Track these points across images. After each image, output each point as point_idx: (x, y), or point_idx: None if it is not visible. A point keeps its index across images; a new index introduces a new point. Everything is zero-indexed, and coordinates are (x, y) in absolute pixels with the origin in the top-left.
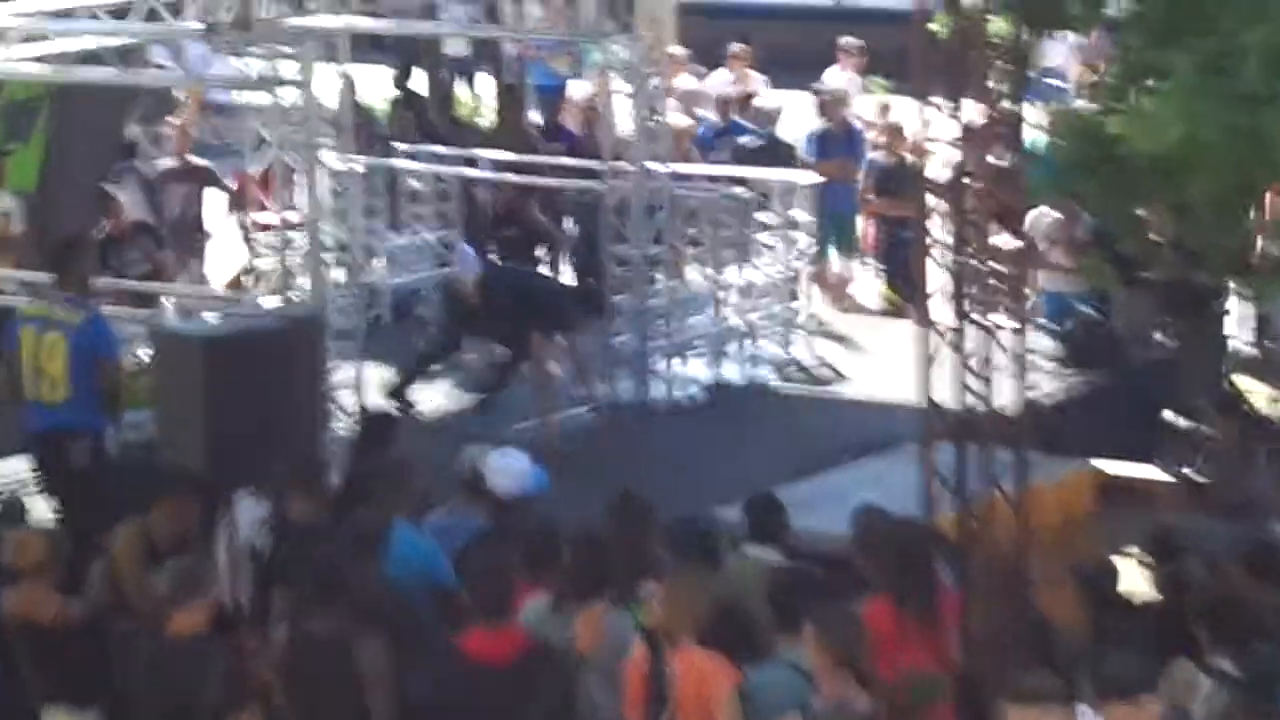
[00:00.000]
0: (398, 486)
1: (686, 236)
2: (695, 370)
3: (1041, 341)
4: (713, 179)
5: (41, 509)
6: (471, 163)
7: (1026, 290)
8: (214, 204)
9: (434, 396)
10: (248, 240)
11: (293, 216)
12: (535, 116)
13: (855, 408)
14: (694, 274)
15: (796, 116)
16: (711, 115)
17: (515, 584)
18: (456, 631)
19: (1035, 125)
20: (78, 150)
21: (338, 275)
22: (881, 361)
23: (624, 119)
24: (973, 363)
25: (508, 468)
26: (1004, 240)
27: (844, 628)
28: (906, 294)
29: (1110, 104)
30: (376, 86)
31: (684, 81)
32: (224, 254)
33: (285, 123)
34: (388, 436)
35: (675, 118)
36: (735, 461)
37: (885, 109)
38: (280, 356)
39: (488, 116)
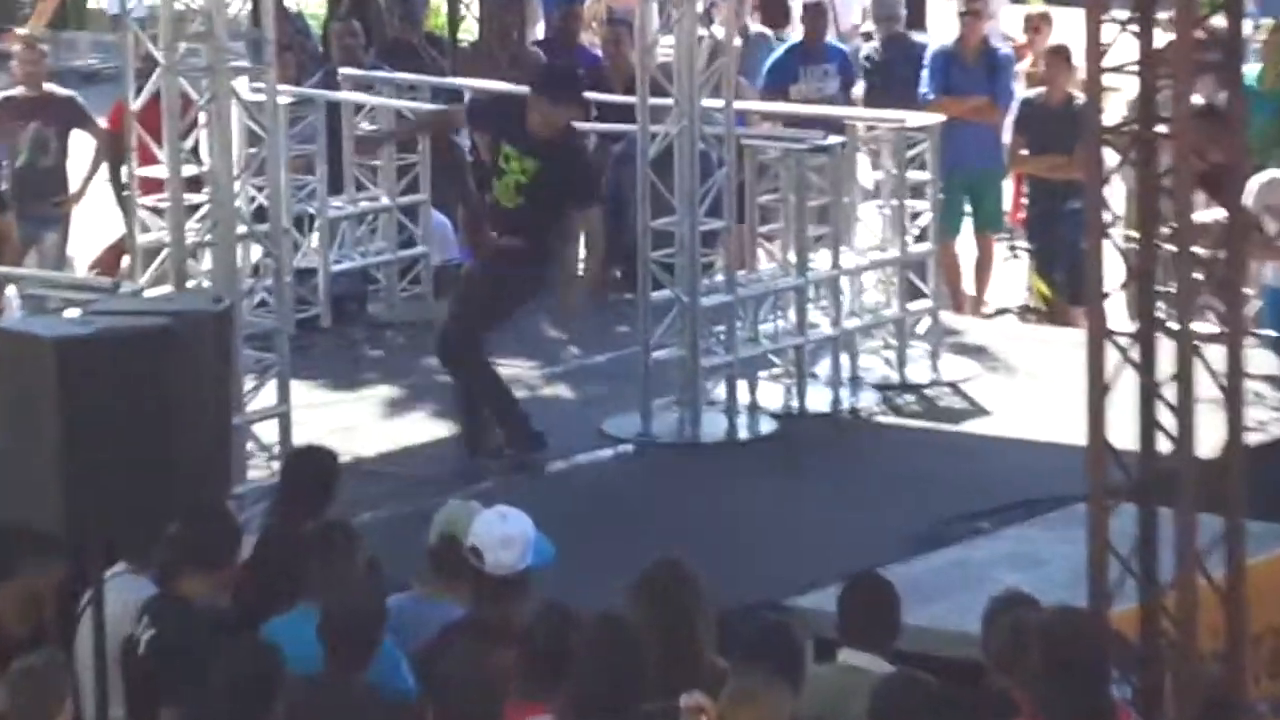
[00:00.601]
0: (336, 556)
1: (757, 205)
2: (768, 396)
3: (1264, 360)
4: (793, 122)
5: None
6: (449, 95)
7: (1244, 288)
8: (79, 152)
9: (391, 427)
10: (126, 204)
11: (191, 170)
12: (539, 31)
13: (996, 452)
14: (767, 259)
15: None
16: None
17: (503, 701)
18: None
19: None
20: None
21: (255, 255)
22: (1033, 386)
23: (666, 35)
24: (1166, 390)
25: (500, 532)
26: (1213, 216)
27: None
28: (1070, 290)
29: None
30: None
31: None
32: (92, 223)
33: (181, 35)
34: (325, 484)
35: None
36: (823, 526)
37: (1041, 24)
38: (170, 370)
39: (471, 30)
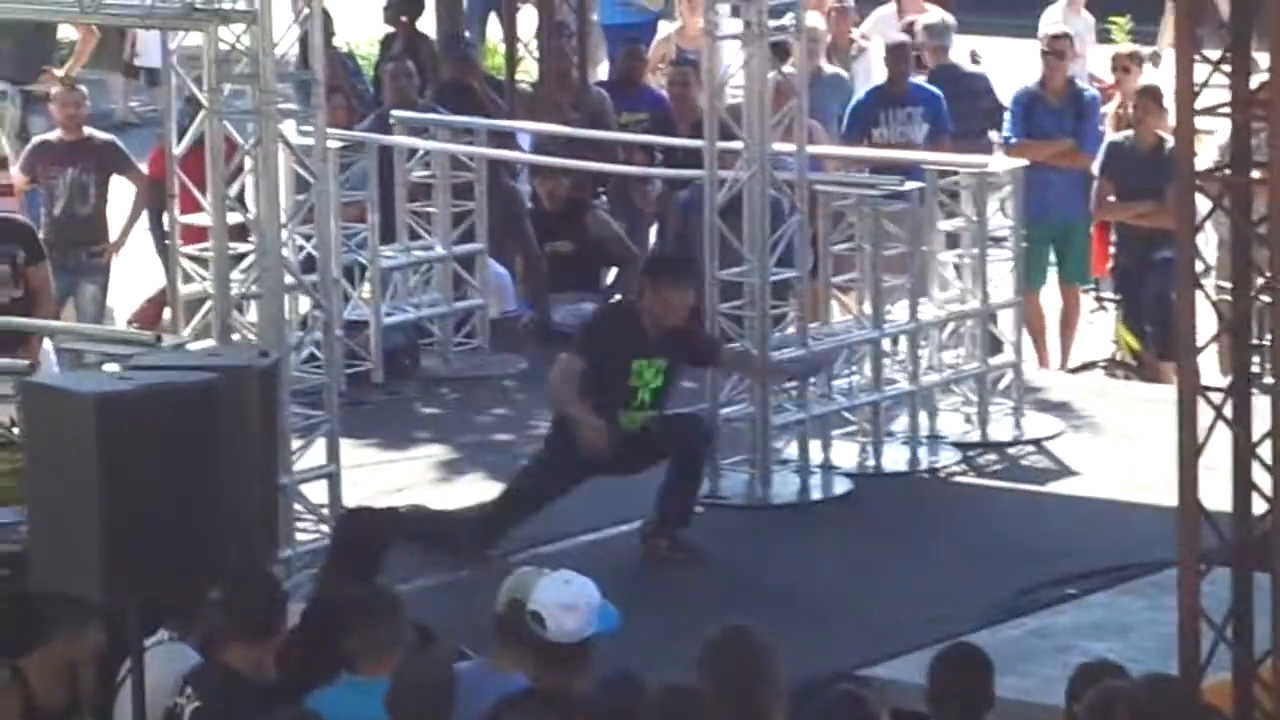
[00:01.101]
0: (378, 624)
1: (831, 254)
2: (842, 455)
3: None
4: (869, 169)
5: None
6: (506, 139)
7: None
8: (118, 199)
9: (444, 489)
10: (168, 253)
11: (236, 218)
12: (603, 71)
13: (1082, 515)
14: (841, 311)
15: (999, 73)
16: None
17: None
18: None
19: None
20: None
21: (303, 307)
22: (1122, 445)
23: (737, 76)
24: (1261, 448)
25: (564, 598)
26: None
27: None
28: (1159, 344)
29: None
30: (363, 22)
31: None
32: (132, 273)
33: (226, 77)
34: (375, 550)
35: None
36: (899, 592)
37: (1130, 64)
38: (214, 428)
39: (530, 70)
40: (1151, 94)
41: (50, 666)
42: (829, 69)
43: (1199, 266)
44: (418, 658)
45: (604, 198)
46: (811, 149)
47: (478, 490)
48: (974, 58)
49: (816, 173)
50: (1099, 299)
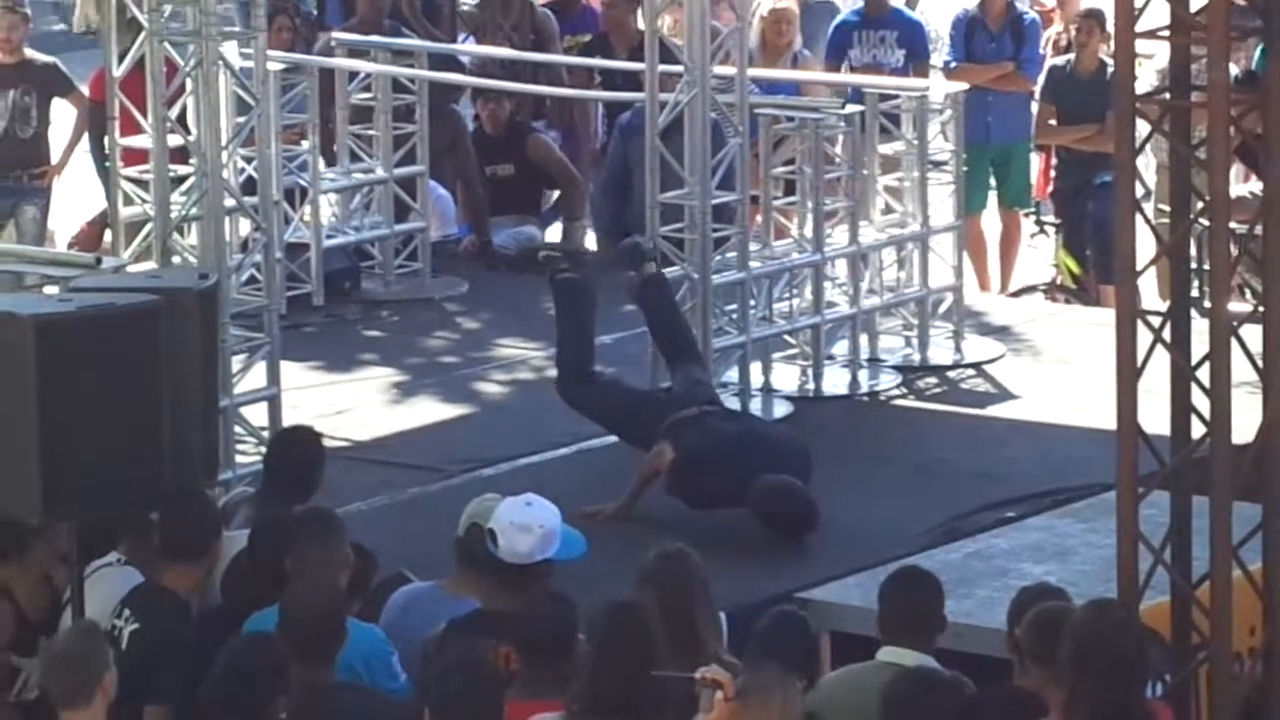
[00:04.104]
0: (312, 546)
1: (772, 178)
2: (782, 378)
3: None
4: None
5: None
6: (449, 61)
7: None
8: (60, 121)
9: (386, 411)
10: (108, 175)
11: (176, 140)
12: None
13: (1022, 438)
14: (783, 235)
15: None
16: None
17: (500, 701)
18: None
19: None
20: None
21: (243, 230)
22: (1061, 368)
23: None
24: (1200, 372)
25: (521, 518)
26: (1249, 189)
27: None
28: (1099, 268)
29: None
30: None
31: None
32: (73, 196)
33: None
34: (313, 471)
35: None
36: (839, 516)
37: None
38: (154, 350)
39: None
40: (1094, 17)
41: (31, 577)
42: None
43: (1138, 190)
44: (302, 583)
45: (544, 120)
46: (753, 72)
47: (420, 413)
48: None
49: (760, 95)
50: (1039, 223)
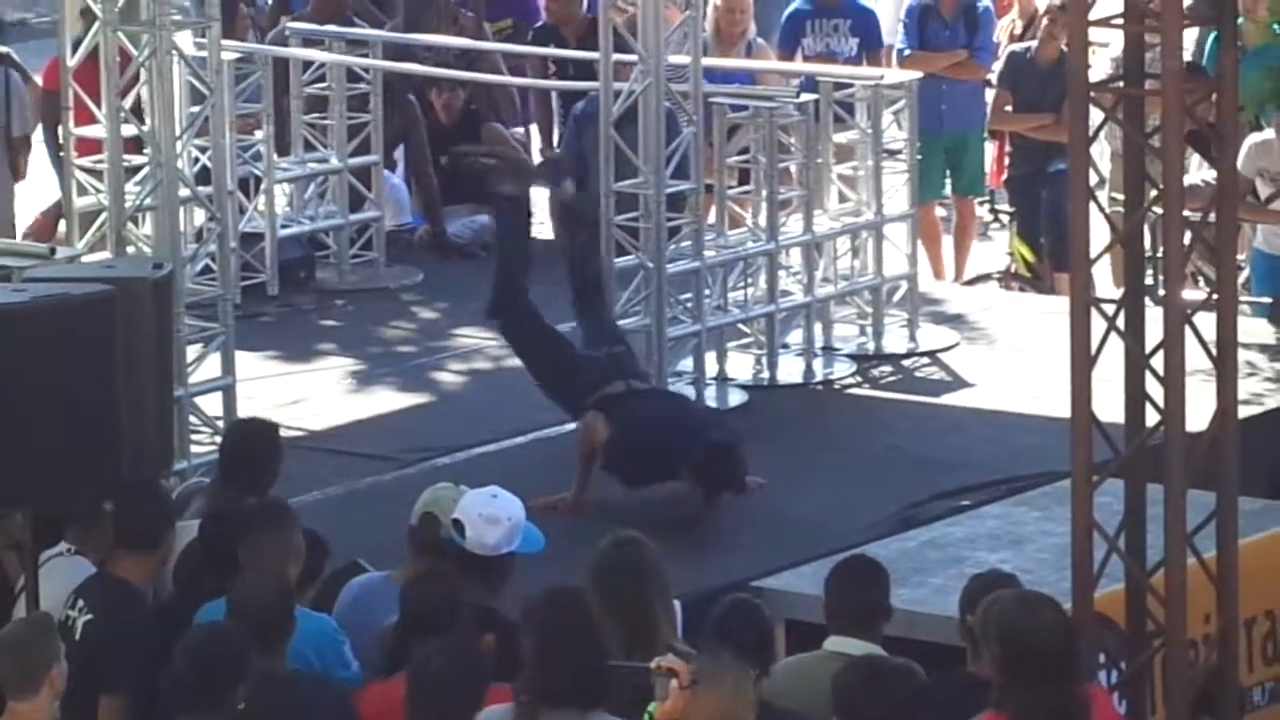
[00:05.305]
0: (264, 536)
1: (727, 167)
2: (737, 367)
3: (1255, 328)
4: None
5: None
6: (406, 51)
7: (1237, 254)
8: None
9: (341, 401)
10: (62, 165)
11: (130, 130)
12: None
13: (976, 426)
14: (738, 224)
15: None
16: None
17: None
18: None
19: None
20: None
21: (198, 219)
22: (1015, 356)
23: None
24: (1154, 360)
25: (488, 510)
26: (1203, 177)
27: None
28: (1054, 256)
29: None
30: None
31: None
32: (27, 186)
33: None
34: (269, 462)
35: None
36: (794, 504)
37: None
38: (108, 340)
39: None
40: (1050, 5)
41: None
42: None
43: (1092, 179)
44: (251, 573)
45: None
46: (708, 61)
47: (375, 402)
48: None
49: (713, 85)
50: (994, 211)
